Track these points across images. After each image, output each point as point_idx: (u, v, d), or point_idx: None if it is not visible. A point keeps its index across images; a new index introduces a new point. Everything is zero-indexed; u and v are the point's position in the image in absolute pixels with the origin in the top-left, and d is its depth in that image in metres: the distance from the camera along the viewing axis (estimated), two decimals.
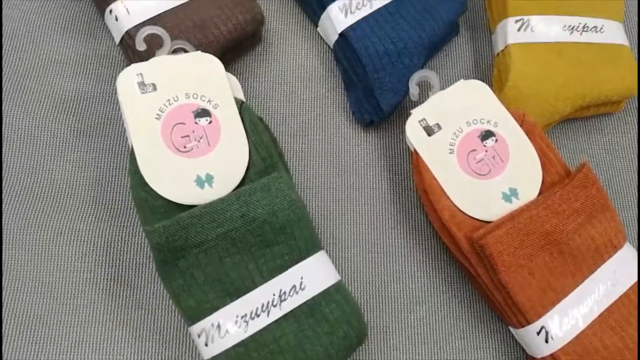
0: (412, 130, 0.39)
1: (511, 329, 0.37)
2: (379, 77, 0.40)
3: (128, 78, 0.34)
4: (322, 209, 0.40)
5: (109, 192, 0.38)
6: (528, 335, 0.36)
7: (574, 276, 0.36)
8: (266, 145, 0.35)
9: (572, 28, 0.43)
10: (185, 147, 0.34)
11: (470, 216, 0.38)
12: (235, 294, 0.33)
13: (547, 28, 0.43)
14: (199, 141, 0.34)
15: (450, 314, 0.39)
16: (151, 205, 0.33)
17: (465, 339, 0.38)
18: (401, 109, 0.43)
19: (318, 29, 0.43)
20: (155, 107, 0.34)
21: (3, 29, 0.42)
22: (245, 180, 0.34)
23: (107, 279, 0.36)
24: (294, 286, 0.33)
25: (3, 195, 0.37)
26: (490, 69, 0.46)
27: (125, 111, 0.33)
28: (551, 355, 0.35)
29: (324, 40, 0.44)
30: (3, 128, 0.39)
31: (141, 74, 0.34)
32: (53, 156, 0.39)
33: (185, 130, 0.34)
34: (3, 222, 0.37)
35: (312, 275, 0.34)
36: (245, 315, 0.32)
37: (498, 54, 0.44)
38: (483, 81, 0.45)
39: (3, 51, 0.41)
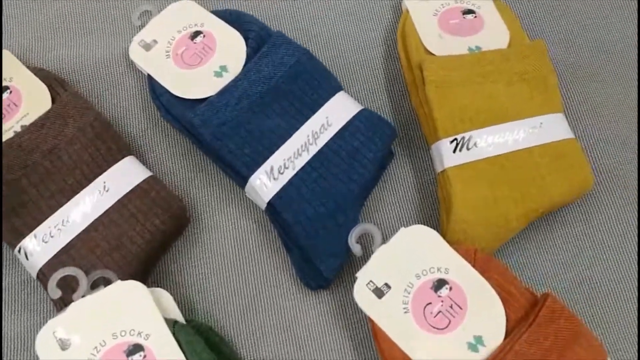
0: (361, 296, 0.37)
1: None
2: (315, 244, 0.38)
3: (45, 339, 0.32)
4: None
5: None
6: None
7: None
8: None
9: (510, 134, 0.41)
10: None
11: None
12: None
13: (483, 142, 0.41)
14: None
15: None
16: None
17: None
18: (351, 258, 0.41)
19: (246, 193, 0.41)
20: None
21: None
22: None
23: None
24: None
25: None
26: (435, 186, 0.44)
27: None
28: None
29: None
30: None
31: (59, 331, 0.32)
32: None
33: None
34: None
35: None
36: None
37: (439, 173, 0.42)
38: (429, 202, 0.44)
39: None
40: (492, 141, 0.41)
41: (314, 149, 0.40)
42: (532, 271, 0.42)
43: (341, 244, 0.38)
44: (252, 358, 0.39)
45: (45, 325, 0.32)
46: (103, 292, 0.34)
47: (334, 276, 0.39)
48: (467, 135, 0.41)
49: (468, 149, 0.41)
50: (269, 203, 0.39)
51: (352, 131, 0.41)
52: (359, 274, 0.38)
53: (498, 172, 0.41)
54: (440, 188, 0.43)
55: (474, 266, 0.38)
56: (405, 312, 0.37)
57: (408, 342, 0.36)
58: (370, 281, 0.38)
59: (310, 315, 0.40)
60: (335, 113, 0.41)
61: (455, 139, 0.41)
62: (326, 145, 0.40)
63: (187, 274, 0.41)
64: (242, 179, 0.40)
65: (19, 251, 0.36)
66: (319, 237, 0.38)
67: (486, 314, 0.37)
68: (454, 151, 0.41)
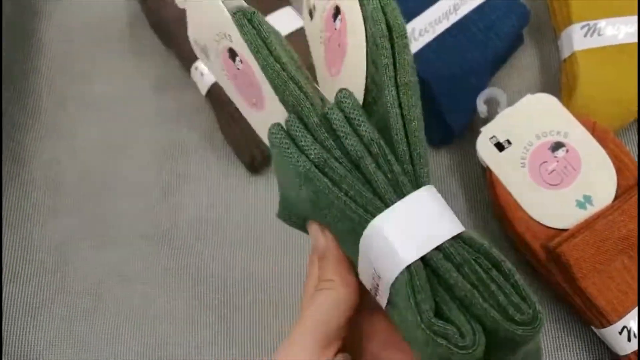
0: (483, 147, 0.43)
1: (593, 328, 0.40)
2: (448, 100, 0.44)
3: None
4: None
5: None
6: (610, 334, 0.39)
7: None
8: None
9: None
10: None
11: (545, 226, 0.41)
12: None
13: (615, 30, 0.45)
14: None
15: None
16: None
17: (548, 340, 0.42)
18: (470, 126, 0.46)
19: None
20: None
21: None
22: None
23: None
24: None
25: None
26: (558, 75, 0.48)
27: None
28: (634, 352, 0.38)
29: None
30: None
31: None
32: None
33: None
34: None
35: None
36: None
37: (565, 60, 0.46)
38: (551, 88, 0.48)
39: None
40: (624, 30, 0.45)
41: (453, 18, 0.45)
42: None
43: (471, 102, 0.44)
44: None
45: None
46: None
47: (459, 132, 0.44)
48: (600, 22, 0.45)
49: (599, 35, 0.45)
50: None
51: (491, 7, 0.46)
52: (483, 129, 0.43)
53: (627, 58, 0.45)
54: (565, 74, 0.47)
55: (592, 134, 0.42)
56: (522, 167, 0.42)
57: (520, 191, 0.41)
58: (493, 136, 0.43)
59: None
60: None
61: (588, 24, 0.45)
62: (465, 16, 0.46)
63: None
64: None
65: (195, 69, 0.45)
66: (452, 95, 0.44)
67: (598, 178, 0.41)
68: (585, 36, 0.45)
